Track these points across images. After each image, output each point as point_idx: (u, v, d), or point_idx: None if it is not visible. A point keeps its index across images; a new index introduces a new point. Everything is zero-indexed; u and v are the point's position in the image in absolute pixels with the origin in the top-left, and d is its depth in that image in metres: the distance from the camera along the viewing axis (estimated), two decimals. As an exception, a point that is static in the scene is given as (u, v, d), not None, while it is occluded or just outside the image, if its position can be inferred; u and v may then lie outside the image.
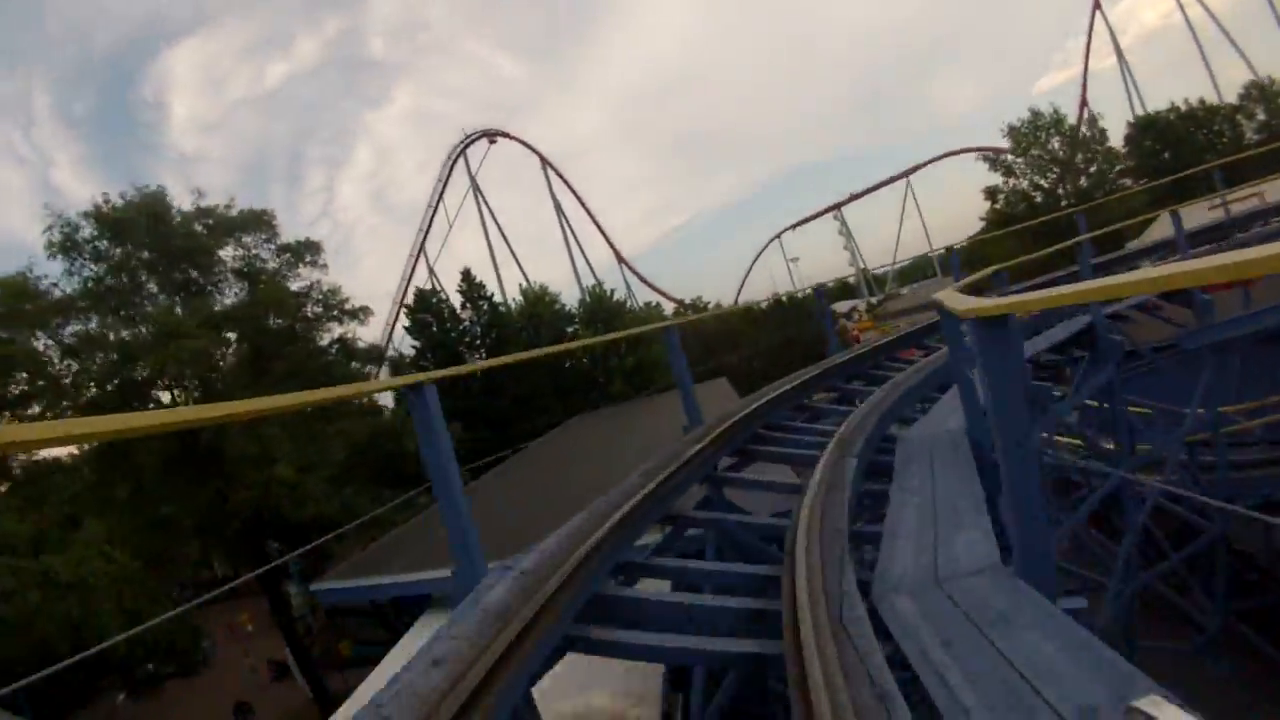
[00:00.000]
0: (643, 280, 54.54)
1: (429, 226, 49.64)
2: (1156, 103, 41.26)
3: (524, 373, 23.47)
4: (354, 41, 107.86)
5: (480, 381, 23.42)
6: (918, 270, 65.40)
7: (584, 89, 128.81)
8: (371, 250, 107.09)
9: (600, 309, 25.63)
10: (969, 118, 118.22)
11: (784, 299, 43.27)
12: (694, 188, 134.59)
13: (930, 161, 58.22)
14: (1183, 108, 37.10)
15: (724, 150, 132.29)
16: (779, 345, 40.01)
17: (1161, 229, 20.20)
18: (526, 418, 22.64)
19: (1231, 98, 37.87)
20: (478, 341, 26.17)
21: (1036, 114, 36.35)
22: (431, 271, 47.61)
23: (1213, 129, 36.16)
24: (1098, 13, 48.79)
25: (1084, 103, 44.76)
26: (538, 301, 26.56)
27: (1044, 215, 31.88)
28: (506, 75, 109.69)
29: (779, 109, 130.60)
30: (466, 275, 27.09)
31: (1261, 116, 35.27)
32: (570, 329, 25.18)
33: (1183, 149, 34.33)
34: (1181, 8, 46.88)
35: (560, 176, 53.62)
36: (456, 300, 27.28)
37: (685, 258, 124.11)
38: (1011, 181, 36.30)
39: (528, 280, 40.14)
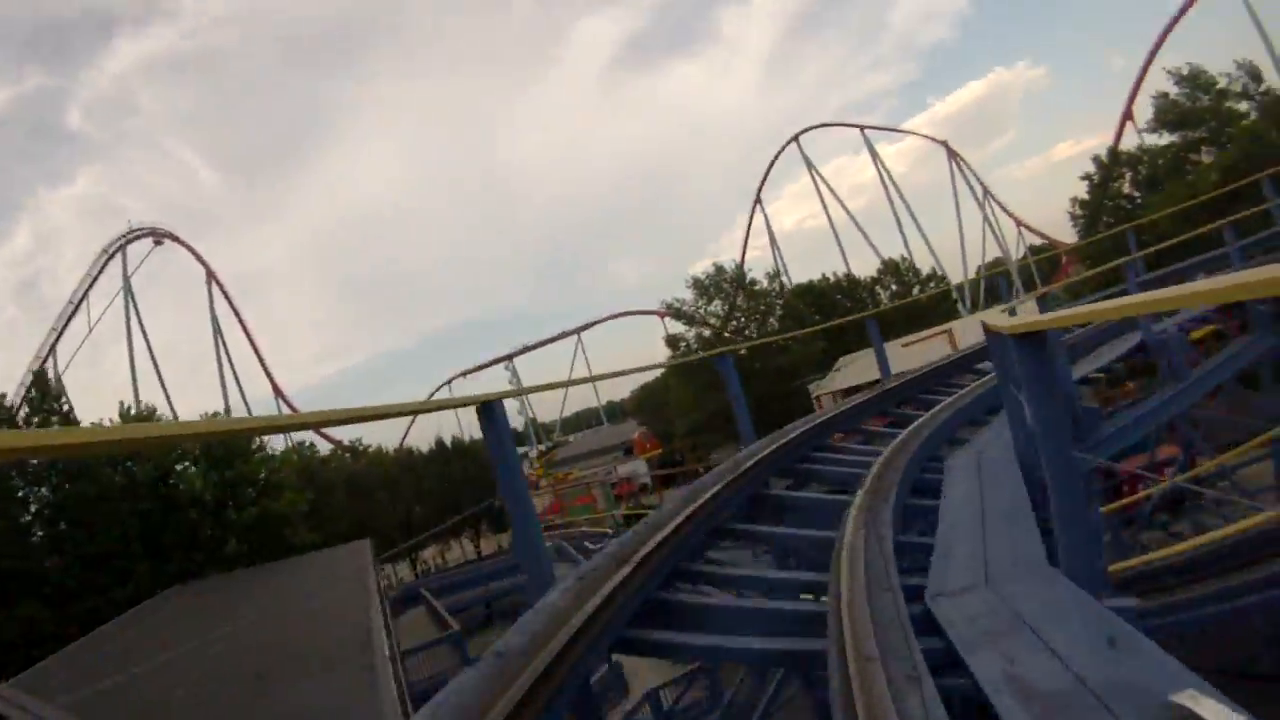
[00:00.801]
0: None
1: (64, 327, 46.39)
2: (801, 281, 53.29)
3: (104, 523, 17.08)
4: (50, 103, 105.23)
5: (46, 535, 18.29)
6: (583, 420, 70.73)
7: (275, 214, 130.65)
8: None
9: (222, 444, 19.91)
10: (635, 289, 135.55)
11: (449, 443, 41.19)
12: (374, 329, 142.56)
13: (600, 321, 68.03)
14: (831, 279, 49.24)
15: (408, 295, 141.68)
16: (443, 492, 38.52)
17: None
18: (99, 589, 16.14)
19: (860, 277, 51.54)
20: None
21: (720, 268, 43.61)
22: (59, 379, 37.57)
23: (856, 296, 47.43)
24: (758, 207, 62.51)
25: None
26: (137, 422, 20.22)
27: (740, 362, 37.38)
28: (202, 182, 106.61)
29: (465, 263, 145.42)
30: (40, 378, 22.18)
31: (895, 287, 47.77)
32: (181, 465, 18.98)
33: (834, 311, 43.51)
34: (826, 210, 61.77)
35: (225, 294, 53.32)
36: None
37: (358, 399, 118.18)
38: (694, 330, 42.64)
39: (170, 404, 39.01)
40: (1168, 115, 34.41)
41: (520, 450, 51.24)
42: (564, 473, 50.66)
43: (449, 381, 65.89)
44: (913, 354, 27.24)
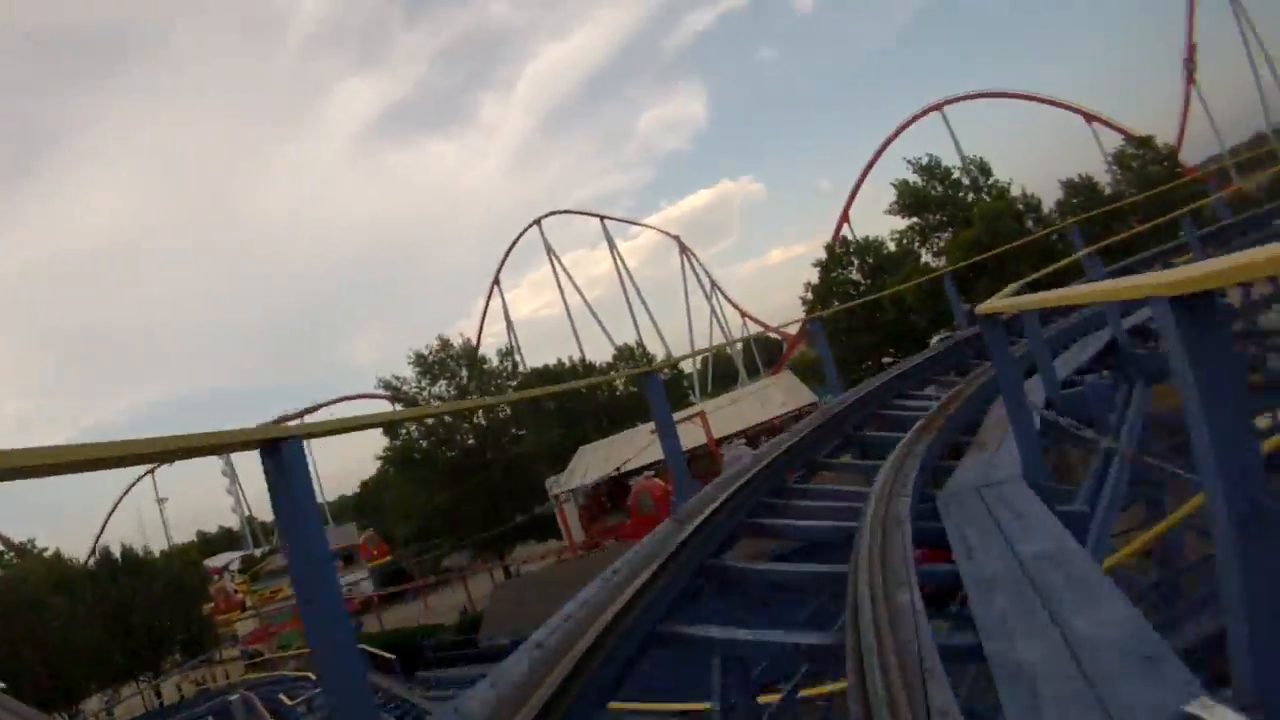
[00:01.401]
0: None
1: None
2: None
3: None
4: None
5: None
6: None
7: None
8: None
9: None
10: (371, 367, 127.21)
11: (118, 557, 34.45)
12: (85, 400, 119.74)
13: (324, 404, 62.32)
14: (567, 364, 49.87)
15: (125, 355, 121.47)
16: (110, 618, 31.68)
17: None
18: None
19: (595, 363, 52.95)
20: None
21: (446, 342, 40.78)
22: None
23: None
24: (496, 289, 63.88)
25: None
26: None
27: (451, 451, 36.03)
28: None
29: (196, 326, 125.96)
30: None
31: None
32: None
33: (568, 396, 43.49)
34: (564, 297, 64.78)
35: None
36: None
37: (46, 487, 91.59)
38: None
39: None
40: (907, 199, 39.17)
41: (223, 559, 43.98)
42: (272, 589, 42.93)
43: (153, 470, 57.03)
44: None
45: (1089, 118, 60.52)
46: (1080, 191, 48.66)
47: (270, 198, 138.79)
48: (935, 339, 34.10)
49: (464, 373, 39.99)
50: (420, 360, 39.39)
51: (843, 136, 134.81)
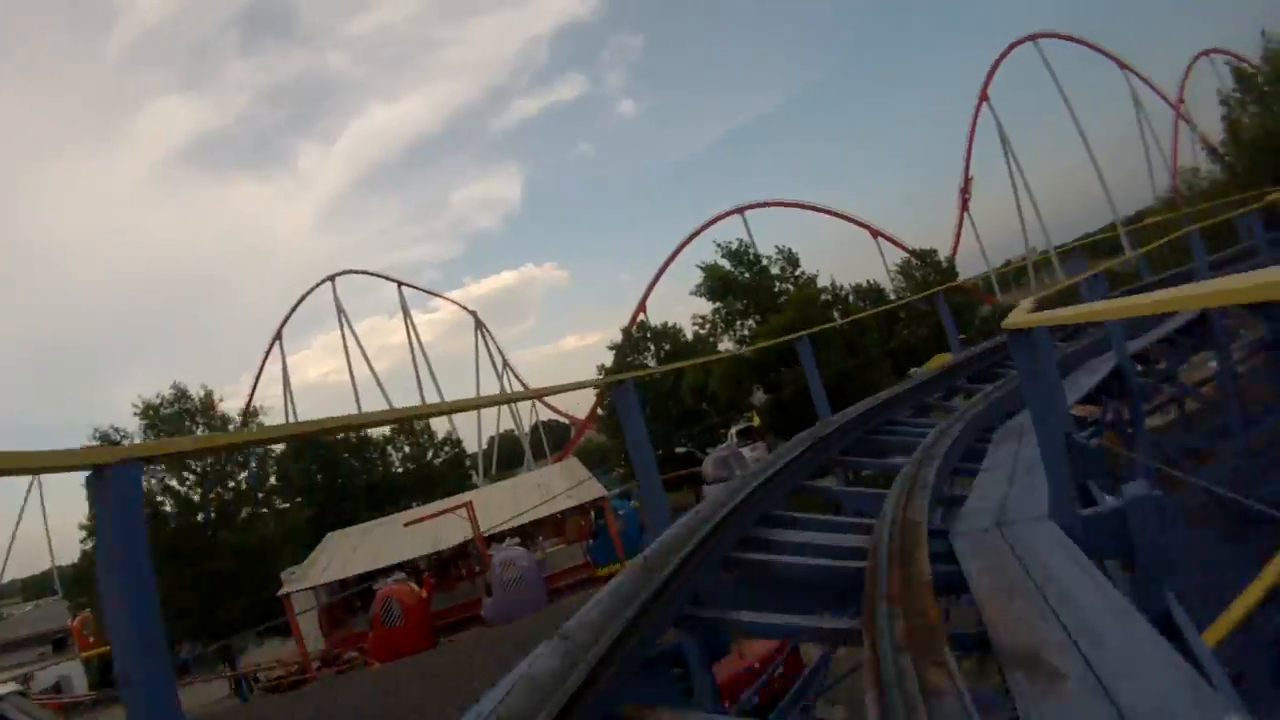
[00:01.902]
0: None
1: None
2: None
3: None
4: None
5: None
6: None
7: None
8: None
9: None
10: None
11: None
12: None
13: None
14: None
15: None
16: None
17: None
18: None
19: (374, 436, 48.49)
20: None
21: (182, 393, 33.97)
22: None
23: (366, 456, 43.62)
24: (278, 344, 61.56)
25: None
26: None
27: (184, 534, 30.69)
28: None
29: None
30: None
31: (407, 449, 45.16)
32: None
33: (337, 470, 40.43)
34: (349, 364, 63.73)
35: None
36: None
37: None
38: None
39: None
40: (713, 282, 39.27)
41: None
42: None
43: None
44: (421, 534, 23.91)
45: (875, 233, 67.52)
46: (868, 295, 53.21)
47: (54, 210, 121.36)
48: (734, 429, 34.36)
49: (200, 431, 33.01)
50: (149, 411, 32.86)
51: (647, 234, 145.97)
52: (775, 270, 39.39)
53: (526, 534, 24.22)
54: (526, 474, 38.01)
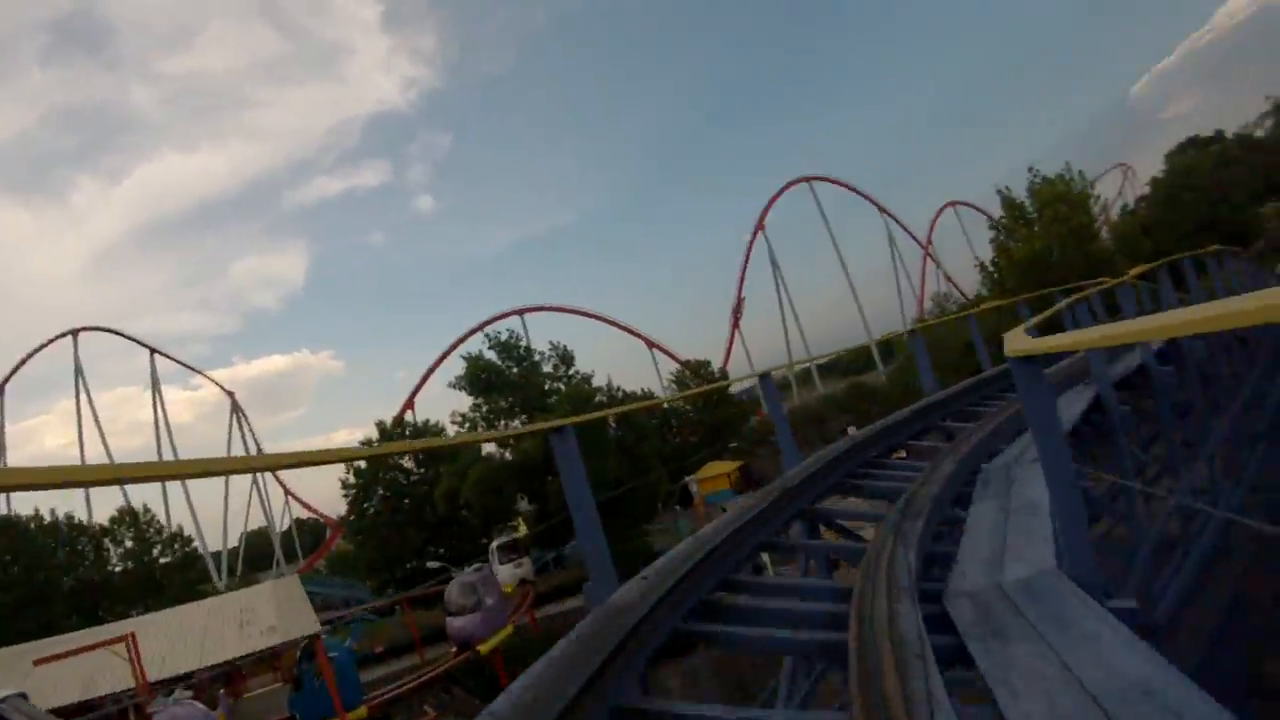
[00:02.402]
0: None
1: None
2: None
3: None
4: None
5: None
6: None
7: None
8: None
9: None
10: None
11: None
12: None
13: None
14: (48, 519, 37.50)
15: None
16: None
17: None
18: None
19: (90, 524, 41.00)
20: None
21: None
22: None
23: (78, 547, 37.28)
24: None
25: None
26: None
27: None
28: None
29: None
30: None
31: (130, 544, 38.70)
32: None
33: (38, 562, 33.87)
34: (81, 440, 56.91)
35: None
36: None
37: None
38: None
39: None
40: (477, 375, 36.37)
41: None
42: None
43: None
44: (62, 676, 16.09)
45: (650, 344, 70.46)
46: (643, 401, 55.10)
47: None
48: (495, 543, 31.21)
49: None
50: None
51: (430, 331, 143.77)
52: (548, 368, 37.28)
53: (202, 684, 17.19)
54: (226, 597, 28.72)
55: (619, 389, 40.25)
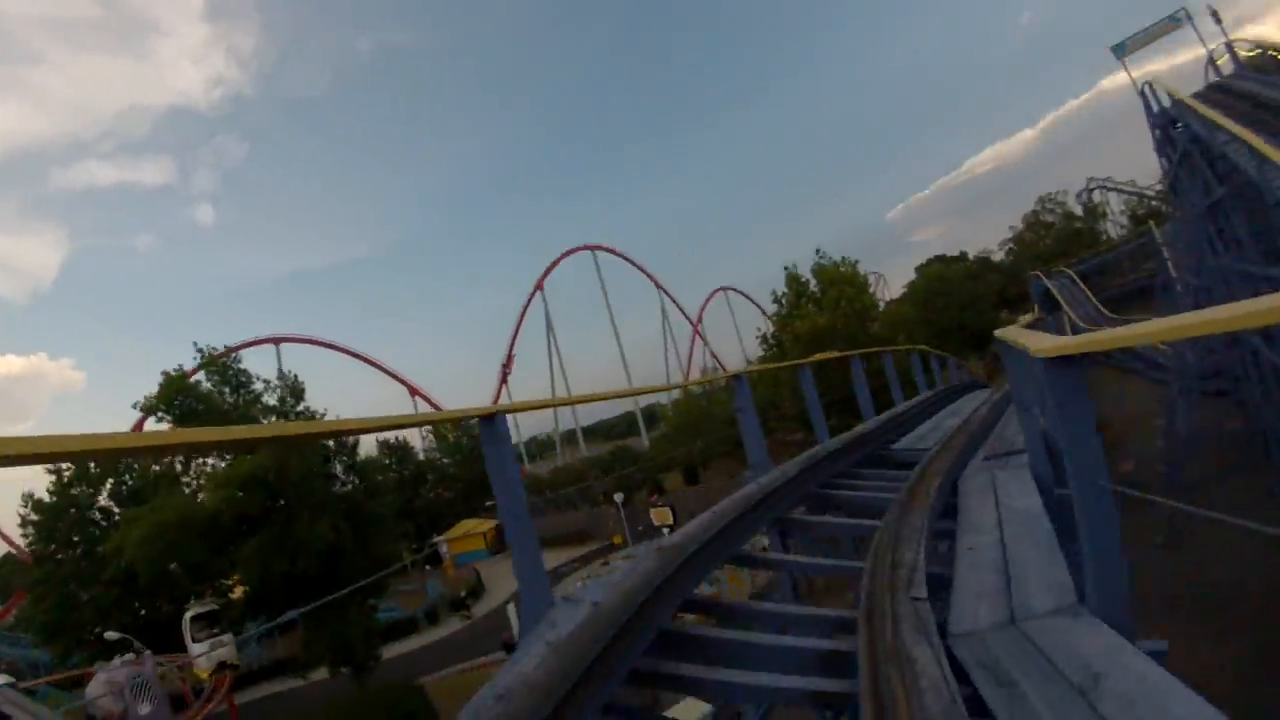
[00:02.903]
0: None
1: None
2: None
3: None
4: None
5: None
6: None
7: None
8: None
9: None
10: None
11: None
12: None
13: None
14: None
15: None
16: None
17: None
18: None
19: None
20: None
21: None
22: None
23: None
24: None
25: None
26: None
27: None
28: None
29: None
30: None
31: None
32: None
33: None
34: None
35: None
36: None
37: None
38: None
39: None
40: (174, 399, 28.87)
41: None
42: None
43: None
44: None
45: (413, 391, 68.37)
46: (396, 452, 50.76)
47: None
48: (189, 613, 23.70)
49: None
50: None
51: (183, 350, 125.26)
52: (271, 400, 30.47)
53: None
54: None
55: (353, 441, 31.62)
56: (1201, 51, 24.51)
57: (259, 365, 53.09)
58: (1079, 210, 72.57)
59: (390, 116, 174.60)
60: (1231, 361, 16.64)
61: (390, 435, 51.89)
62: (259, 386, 30.19)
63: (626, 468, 53.66)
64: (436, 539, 39.96)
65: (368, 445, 51.66)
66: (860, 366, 9.62)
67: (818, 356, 9.04)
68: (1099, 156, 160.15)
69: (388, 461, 51.28)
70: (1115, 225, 71.20)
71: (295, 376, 30.75)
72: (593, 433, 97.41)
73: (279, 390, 29.79)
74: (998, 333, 5.19)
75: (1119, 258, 58.03)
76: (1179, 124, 17.59)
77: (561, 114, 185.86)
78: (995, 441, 6.64)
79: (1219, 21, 21.79)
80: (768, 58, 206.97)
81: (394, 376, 68.42)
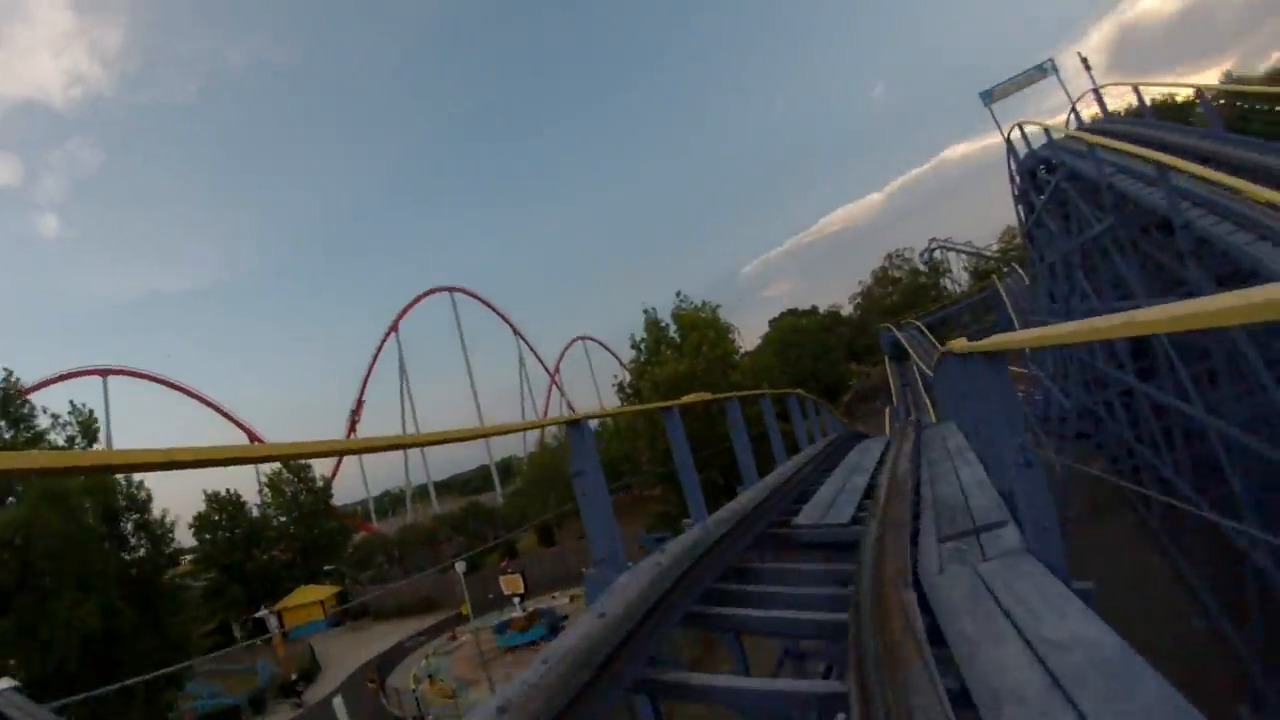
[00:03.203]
0: None
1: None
2: None
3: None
4: None
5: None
6: None
7: None
8: None
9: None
10: None
11: None
12: None
13: None
14: None
15: None
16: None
17: None
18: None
19: None
20: None
21: None
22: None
23: None
24: None
25: None
26: None
27: None
28: None
29: None
30: None
31: None
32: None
33: None
34: None
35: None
36: None
37: None
38: None
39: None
40: None
41: None
42: None
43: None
44: None
45: (252, 438, 62.57)
46: (226, 506, 45.93)
47: None
48: None
49: None
50: None
51: None
52: (59, 439, 26.43)
53: None
54: None
55: (141, 485, 27.01)
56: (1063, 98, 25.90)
57: (89, 397, 47.72)
58: (923, 267, 77.72)
59: (258, 136, 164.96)
60: (1094, 403, 16.93)
61: (222, 488, 47.19)
62: (43, 422, 26.32)
63: (479, 525, 50.95)
64: (264, 610, 35.45)
65: (193, 500, 46.27)
66: (738, 412, 7.81)
67: (689, 398, 6.90)
68: (939, 219, 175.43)
69: (217, 518, 46.44)
70: (954, 282, 76.61)
71: (91, 412, 27.02)
72: (446, 487, 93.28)
73: (69, 427, 25.96)
74: (952, 344, 4.75)
75: (962, 310, 62.21)
76: (1053, 163, 17.75)
77: (432, 152, 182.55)
78: (941, 510, 4.68)
79: (1089, 69, 22.40)
80: (635, 113, 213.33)
81: (231, 419, 63.25)
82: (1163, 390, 12.57)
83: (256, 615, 35.79)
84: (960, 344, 4.31)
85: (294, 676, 31.60)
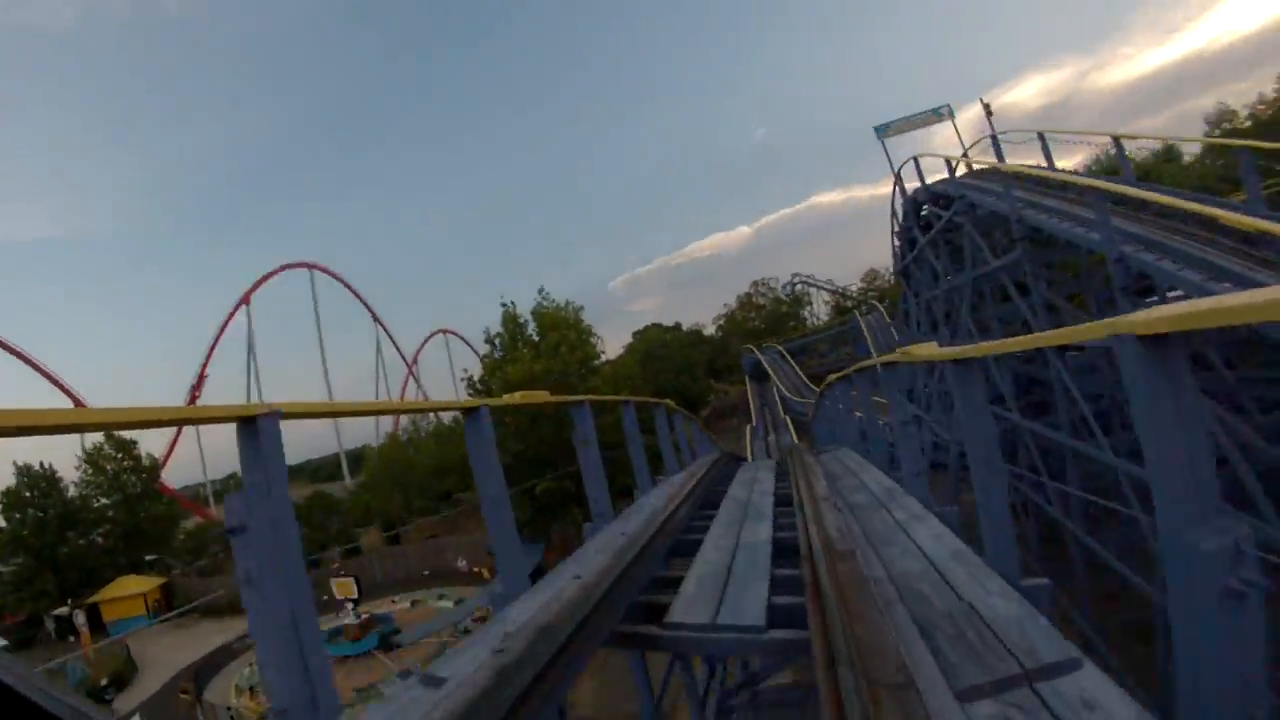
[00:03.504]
0: None
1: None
2: None
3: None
4: None
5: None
6: None
7: None
8: None
9: None
10: None
11: None
12: None
13: None
14: None
15: None
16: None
17: None
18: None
19: None
20: None
21: None
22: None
23: None
24: None
25: None
26: None
27: None
28: None
29: None
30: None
31: None
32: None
33: None
34: None
35: None
36: None
37: None
38: None
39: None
40: None
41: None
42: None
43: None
44: None
45: (78, 404, 56.67)
46: (39, 482, 41.66)
47: None
48: None
49: None
50: None
51: None
52: None
53: None
54: None
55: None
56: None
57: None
58: (785, 297, 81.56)
59: (130, 83, 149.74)
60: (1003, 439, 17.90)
61: (37, 461, 42.81)
62: None
63: (324, 517, 48.53)
64: (70, 604, 32.31)
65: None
66: (589, 422, 6.02)
67: (511, 397, 5.35)
68: (803, 257, 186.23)
69: (28, 494, 41.99)
70: (814, 315, 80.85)
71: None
72: (298, 472, 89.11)
73: None
74: (914, 349, 4.61)
75: (821, 339, 65.78)
76: (951, 197, 17.84)
77: (305, 125, 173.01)
78: (914, 605, 2.83)
79: (990, 114, 22.75)
80: (522, 115, 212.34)
81: (56, 383, 57.55)
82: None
83: (57, 613, 32.70)
84: (929, 349, 4.48)
85: (104, 681, 27.87)
